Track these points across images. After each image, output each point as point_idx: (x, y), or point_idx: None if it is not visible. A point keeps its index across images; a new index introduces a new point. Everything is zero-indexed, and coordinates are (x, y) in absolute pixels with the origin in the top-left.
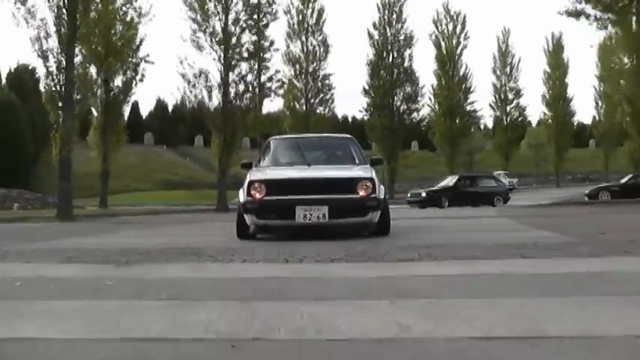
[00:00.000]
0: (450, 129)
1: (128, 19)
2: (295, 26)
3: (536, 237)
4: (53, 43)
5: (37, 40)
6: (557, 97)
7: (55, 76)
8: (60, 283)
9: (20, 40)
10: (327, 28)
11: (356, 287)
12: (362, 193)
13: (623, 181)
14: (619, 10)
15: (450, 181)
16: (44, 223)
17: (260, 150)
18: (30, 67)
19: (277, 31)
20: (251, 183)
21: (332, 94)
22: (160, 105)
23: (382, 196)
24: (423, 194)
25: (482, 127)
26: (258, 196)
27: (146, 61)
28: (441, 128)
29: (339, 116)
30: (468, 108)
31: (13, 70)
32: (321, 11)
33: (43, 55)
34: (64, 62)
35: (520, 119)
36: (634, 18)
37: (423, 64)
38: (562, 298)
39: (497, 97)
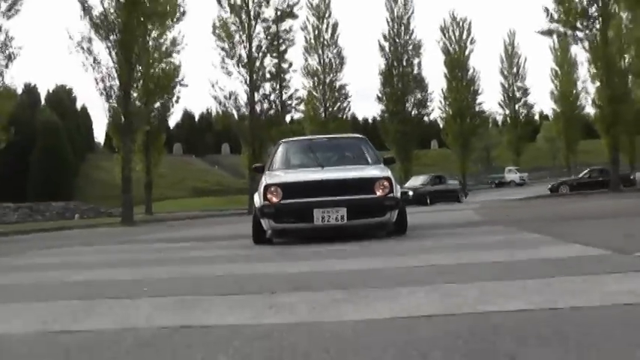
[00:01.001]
0: (461, 129)
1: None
2: (312, 41)
3: (468, 219)
4: (113, 82)
5: (102, 80)
6: (566, 93)
7: (115, 110)
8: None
9: (57, 63)
10: (341, 40)
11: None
12: (380, 192)
13: (580, 175)
14: (584, 29)
15: (423, 180)
16: (116, 227)
17: (270, 153)
18: (67, 88)
19: (296, 46)
20: (267, 187)
21: (348, 102)
22: (187, 116)
23: (399, 196)
24: (410, 193)
25: (499, 124)
26: (274, 199)
27: (181, 85)
28: (452, 129)
29: (359, 118)
30: (477, 109)
31: (51, 91)
32: (335, 26)
33: (107, 94)
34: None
35: (529, 116)
36: (598, 35)
37: (433, 66)
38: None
39: (505, 96)
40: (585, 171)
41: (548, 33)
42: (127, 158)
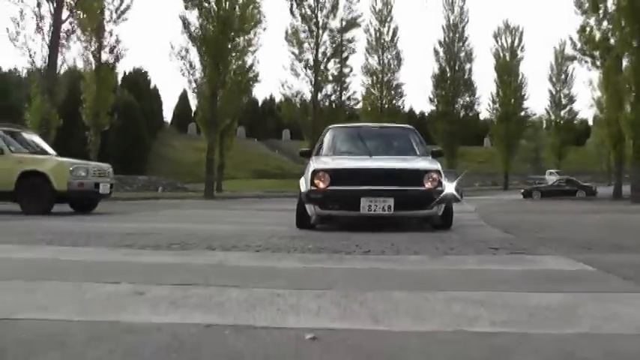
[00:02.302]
0: (506, 131)
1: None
2: (373, 42)
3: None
4: (204, 83)
5: (195, 82)
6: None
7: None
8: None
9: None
10: (401, 41)
11: None
12: (428, 185)
13: (550, 183)
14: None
15: None
16: (203, 200)
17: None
18: (143, 71)
19: (358, 46)
20: (315, 172)
21: (403, 100)
22: (251, 101)
23: (447, 190)
24: None
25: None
26: (322, 185)
27: (255, 81)
28: (498, 131)
29: (416, 111)
30: (523, 114)
31: (128, 73)
32: (395, 30)
33: (199, 93)
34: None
35: (574, 122)
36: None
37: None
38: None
39: (552, 102)
40: (556, 179)
41: (572, 59)
42: (212, 146)
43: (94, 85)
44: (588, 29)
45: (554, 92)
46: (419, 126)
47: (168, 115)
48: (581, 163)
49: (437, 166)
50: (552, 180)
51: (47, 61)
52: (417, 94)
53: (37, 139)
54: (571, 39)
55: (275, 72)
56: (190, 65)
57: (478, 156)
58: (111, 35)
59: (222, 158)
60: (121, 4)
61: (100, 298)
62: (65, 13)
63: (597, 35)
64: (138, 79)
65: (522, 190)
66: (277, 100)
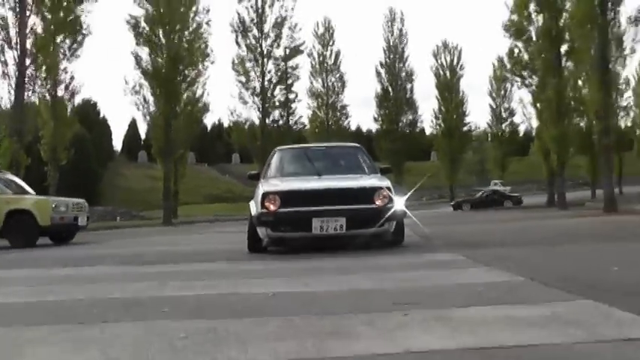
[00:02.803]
0: (450, 146)
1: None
2: (317, 66)
3: None
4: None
5: (149, 115)
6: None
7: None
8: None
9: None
10: (344, 63)
11: None
12: (379, 202)
13: (478, 195)
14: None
15: None
16: (163, 227)
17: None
18: (92, 102)
19: (303, 70)
20: (265, 195)
21: (349, 121)
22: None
23: (397, 206)
24: None
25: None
26: (272, 208)
27: (206, 111)
28: (442, 145)
29: (363, 128)
30: (465, 129)
31: (77, 105)
32: (338, 53)
33: (153, 125)
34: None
35: (514, 134)
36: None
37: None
38: None
39: (493, 116)
40: (482, 191)
41: (503, 79)
42: (168, 175)
43: (51, 121)
44: (517, 51)
45: (494, 106)
46: (366, 144)
47: (117, 143)
48: (526, 173)
49: (387, 183)
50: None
51: (13, 104)
52: (364, 113)
53: (17, 180)
54: (501, 60)
55: (222, 97)
56: (144, 100)
57: (425, 170)
58: (66, 72)
59: (176, 186)
60: (73, 43)
61: (149, 286)
62: (27, 59)
63: (525, 57)
64: (88, 110)
65: (452, 203)
66: (226, 124)
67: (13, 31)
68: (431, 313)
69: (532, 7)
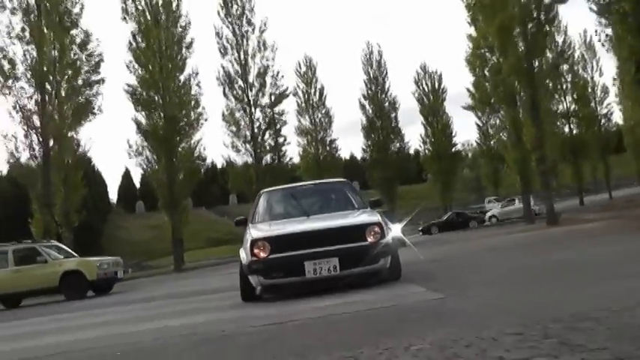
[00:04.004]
0: (440, 168)
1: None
2: (303, 104)
3: None
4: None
5: (148, 174)
6: None
7: (163, 192)
8: None
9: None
10: (328, 101)
11: None
12: (371, 239)
13: (444, 218)
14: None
15: None
16: (176, 273)
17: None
18: (87, 157)
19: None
20: (254, 241)
21: (339, 154)
22: None
23: (391, 241)
24: None
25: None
26: (263, 254)
27: (203, 161)
28: (433, 168)
29: (357, 155)
30: (453, 150)
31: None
32: (322, 89)
33: (157, 183)
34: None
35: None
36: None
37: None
38: None
39: (480, 133)
40: (449, 213)
41: (471, 108)
42: (175, 226)
43: (62, 187)
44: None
45: (480, 124)
46: (359, 171)
47: (112, 195)
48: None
49: (377, 218)
50: (490, 208)
51: (41, 181)
52: (356, 140)
53: (63, 246)
54: (468, 90)
55: (214, 139)
56: (147, 160)
57: (419, 193)
58: (74, 140)
59: (179, 232)
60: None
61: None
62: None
63: (489, 88)
64: (84, 166)
65: (420, 228)
66: (219, 166)
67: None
68: None
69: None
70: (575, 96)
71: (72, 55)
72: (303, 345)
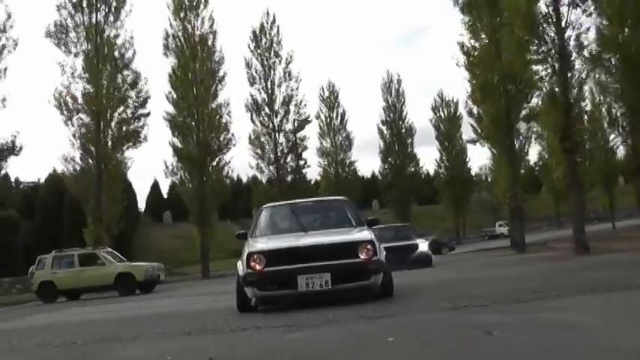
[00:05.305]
0: (453, 193)
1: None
2: (325, 127)
3: None
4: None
5: (183, 192)
6: None
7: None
8: None
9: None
10: (350, 123)
11: None
12: (363, 256)
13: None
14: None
15: None
16: (203, 280)
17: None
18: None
19: (312, 131)
20: (250, 255)
21: (358, 174)
22: None
23: (383, 258)
24: None
25: None
26: (258, 267)
27: (230, 178)
28: (446, 193)
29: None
30: (467, 176)
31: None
32: (343, 114)
33: (190, 199)
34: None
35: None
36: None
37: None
38: None
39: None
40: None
41: (473, 142)
42: (204, 238)
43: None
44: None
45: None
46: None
47: (141, 204)
48: (540, 210)
49: (370, 236)
50: (501, 231)
51: (94, 197)
52: (370, 155)
53: (115, 252)
54: (472, 125)
55: (241, 155)
56: (181, 180)
57: (434, 214)
58: (121, 164)
59: (206, 244)
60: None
61: None
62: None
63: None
64: (124, 183)
65: None
66: (244, 179)
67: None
68: None
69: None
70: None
71: (123, 92)
72: None
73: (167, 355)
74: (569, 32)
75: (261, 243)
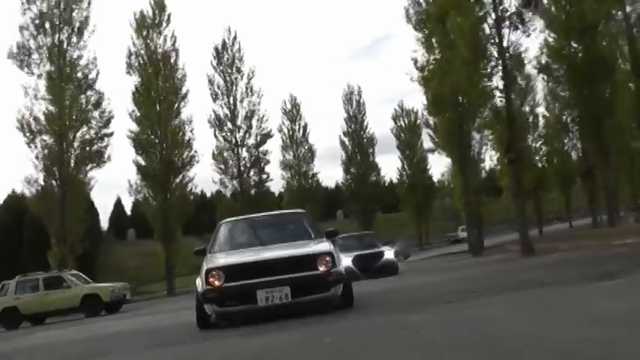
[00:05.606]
0: (415, 199)
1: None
2: (287, 140)
3: None
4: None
5: (147, 210)
6: None
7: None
8: None
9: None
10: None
11: None
12: (322, 268)
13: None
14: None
15: None
16: (170, 297)
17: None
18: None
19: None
20: (209, 271)
21: (320, 185)
22: None
23: (343, 270)
24: None
25: None
26: (217, 283)
27: (194, 194)
28: (408, 199)
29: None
30: (429, 182)
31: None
32: (305, 127)
33: (155, 218)
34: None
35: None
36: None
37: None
38: None
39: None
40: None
41: (432, 151)
42: (169, 255)
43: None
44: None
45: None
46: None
47: (103, 222)
48: (502, 213)
49: (329, 247)
50: (463, 235)
51: (59, 218)
52: (331, 166)
53: (80, 274)
54: (429, 135)
55: (205, 169)
56: (145, 197)
57: (398, 222)
58: (84, 184)
59: (172, 261)
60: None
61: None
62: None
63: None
64: (87, 202)
65: None
66: (208, 194)
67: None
68: None
69: None
70: None
71: (87, 112)
72: None
73: None
74: (510, 51)
75: (220, 258)
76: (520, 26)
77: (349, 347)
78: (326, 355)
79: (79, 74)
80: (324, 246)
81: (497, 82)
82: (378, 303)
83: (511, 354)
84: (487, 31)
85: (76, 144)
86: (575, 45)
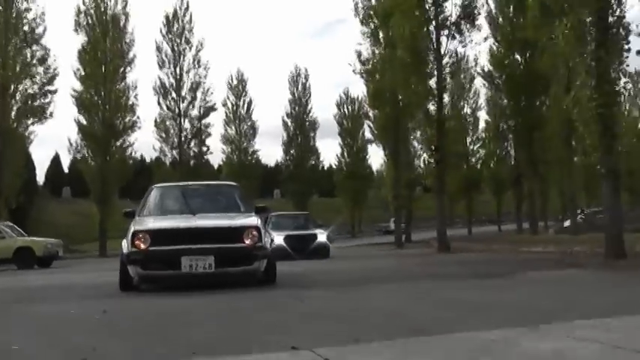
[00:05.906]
0: (353, 188)
1: None
2: (230, 115)
3: None
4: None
5: (88, 173)
6: None
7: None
8: None
9: None
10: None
11: None
12: (248, 241)
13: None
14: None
15: None
16: (101, 258)
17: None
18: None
19: (217, 118)
20: (135, 233)
21: (260, 162)
22: None
23: (268, 245)
24: None
25: None
26: (142, 246)
27: (134, 159)
28: (345, 187)
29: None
30: (367, 172)
31: None
32: (250, 103)
33: (94, 179)
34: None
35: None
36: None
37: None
38: None
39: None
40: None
41: (370, 142)
42: (104, 217)
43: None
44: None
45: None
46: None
47: (40, 178)
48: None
49: (256, 222)
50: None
51: None
52: (272, 143)
53: (15, 226)
54: (369, 126)
55: (146, 134)
56: (84, 157)
57: (332, 207)
58: (25, 138)
59: (106, 224)
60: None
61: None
62: None
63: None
64: (26, 156)
65: None
66: (148, 159)
67: None
68: None
69: None
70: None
71: (32, 67)
72: None
73: (71, 310)
74: (446, 59)
75: (148, 222)
76: (457, 36)
77: (245, 308)
78: (228, 310)
79: (26, 27)
80: (252, 220)
81: (432, 86)
82: (294, 280)
83: (366, 323)
84: (427, 36)
85: (18, 96)
86: (517, 57)
